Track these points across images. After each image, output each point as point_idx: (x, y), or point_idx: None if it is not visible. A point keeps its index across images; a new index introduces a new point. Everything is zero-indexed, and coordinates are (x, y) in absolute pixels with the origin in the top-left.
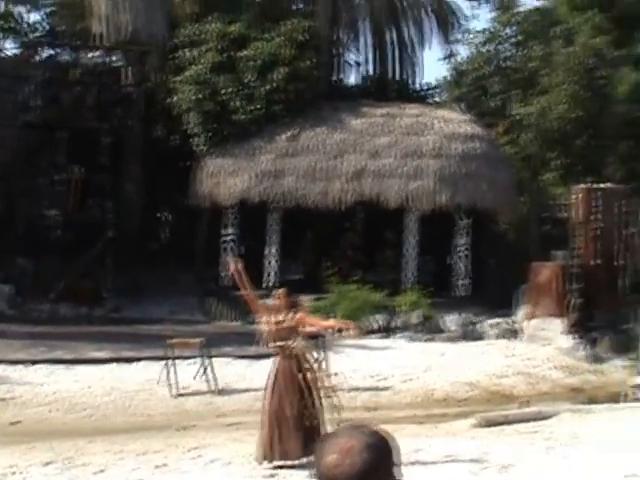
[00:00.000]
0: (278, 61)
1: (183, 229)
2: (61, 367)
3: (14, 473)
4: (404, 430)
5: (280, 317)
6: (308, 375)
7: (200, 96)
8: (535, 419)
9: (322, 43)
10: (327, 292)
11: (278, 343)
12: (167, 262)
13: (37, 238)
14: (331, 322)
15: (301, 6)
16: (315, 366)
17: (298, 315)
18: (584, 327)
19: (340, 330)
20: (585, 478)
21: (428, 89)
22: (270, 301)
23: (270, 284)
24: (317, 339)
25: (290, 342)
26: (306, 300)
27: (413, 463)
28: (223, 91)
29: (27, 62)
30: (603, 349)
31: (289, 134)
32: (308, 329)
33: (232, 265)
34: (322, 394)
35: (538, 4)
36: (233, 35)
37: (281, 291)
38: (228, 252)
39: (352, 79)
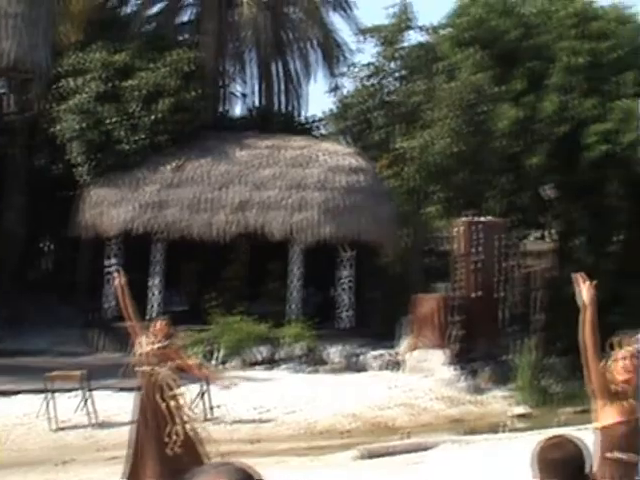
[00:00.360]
0: (163, 91)
1: (65, 259)
2: None
3: None
4: (286, 462)
5: (154, 342)
6: (172, 403)
7: (84, 125)
8: (416, 450)
9: (208, 74)
10: (211, 323)
11: (145, 367)
12: (49, 293)
13: None
14: (203, 371)
15: (187, 36)
16: (181, 398)
17: (172, 347)
18: (465, 358)
19: (207, 380)
20: None
21: (313, 121)
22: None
23: (153, 315)
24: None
25: (157, 368)
26: (186, 335)
27: None
28: (107, 121)
29: None
30: (483, 380)
31: (174, 165)
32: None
33: (116, 279)
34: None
35: (422, 39)
36: (118, 64)
37: (162, 319)
38: (111, 283)
39: (238, 110)
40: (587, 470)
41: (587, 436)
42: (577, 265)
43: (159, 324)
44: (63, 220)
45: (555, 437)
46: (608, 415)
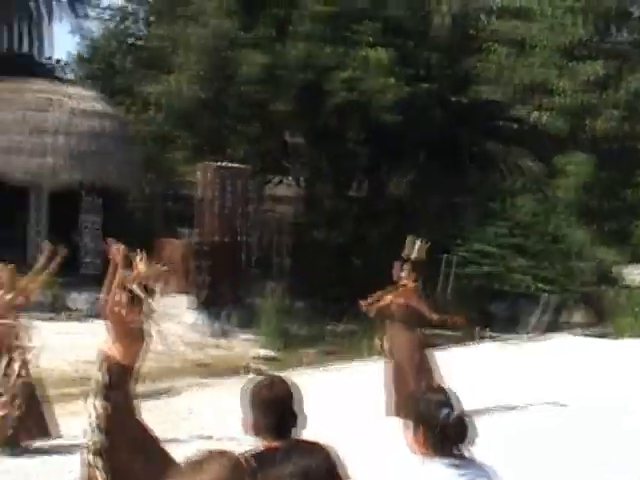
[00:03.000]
0: None
1: None
2: None
3: None
4: None
5: None
6: None
7: None
8: (161, 394)
9: None
10: None
11: None
12: None
13: None
14: None
15: None
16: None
17: None
18: (210, 303)
19: None
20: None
21: (58, 65)
22: None
23: None
24: None
25: None
26: None
27: None
28: None
29: None
30: (228, 323)
31: None
32: None
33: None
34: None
35: None
36: None
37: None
38: None
39: None
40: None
41: (331, 376)
42: (321, 210)
43: None
44: None
45: (267, 378)
46: None
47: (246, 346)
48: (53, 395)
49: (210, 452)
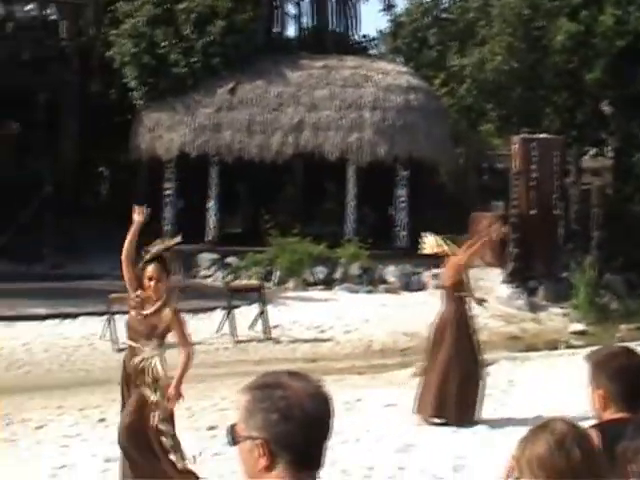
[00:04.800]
0: (216, 13)
1: (122, 184)
2: (0, 324)
3: None
4: (345, 381)
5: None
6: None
7: (138, 49)
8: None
9: None
10: (268, 245)
11: (130, 341)
12: (106, 218)
13: None
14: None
15: None
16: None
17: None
18: (522, 276)
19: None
20: (520, 423)
21: (367, 41)
22: None
23: (210, 238)
24: (257, 292)
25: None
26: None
27: (353, 411)
28: (161, 44)
29: None
30: (541, 298)
31: (227, 87)
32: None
33: (137, 214)
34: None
35: None
36: None
37: (152, 268)
38: (168, 207)
39: (291, 32)
40: None
41: None
42: (635, 181)
43: (153, 275)
44: (119, 145)
45: (617, 347)
46: None
47: (557, 320)
48: (375, 364)
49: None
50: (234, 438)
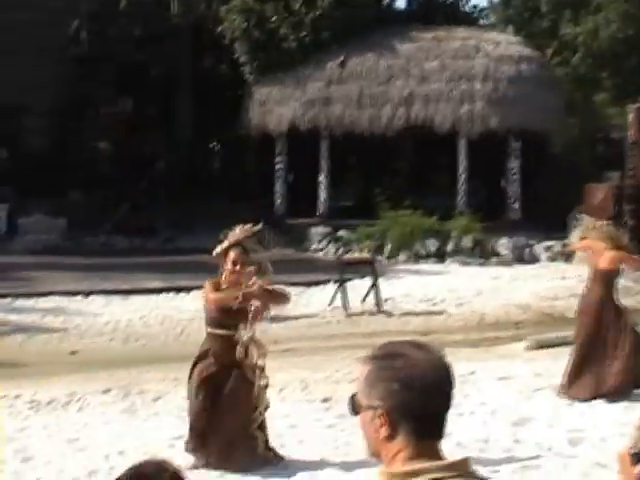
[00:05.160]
0: None
1: (233, 159)
2: (117, 297)
3: (77, 400)
4: (458, 353)
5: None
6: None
7: (248, 24)
8: None
9: None
10: (379, 218)
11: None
12: (218, 192)
13: (88, 171)
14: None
15: None
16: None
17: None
18: (637, 248)
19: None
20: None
21: (477, 11)
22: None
23: (321, 212)
24: (369, 265)
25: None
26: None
27: (467, 385)
28: (270, 19)
29: None
30: None
31: (337, 61)
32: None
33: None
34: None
35: None
36: None
37: (234, 253)
38: (279, 181)
39: (401, 4)
40: None
41: None
42: None
43: (236, 260)
44: (230, 120)
45: None
46: None
47: None
48: (488, 337)
49: None
50: (355, 408)
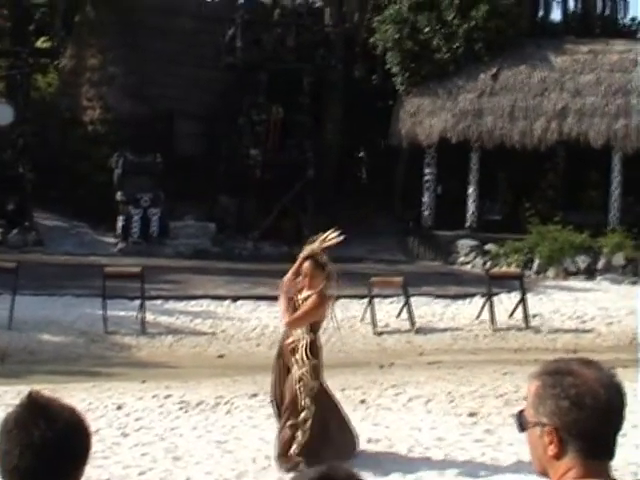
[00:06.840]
0: None
1: (381, 169)
2: (264, 303)
3: (225, 403)
4: None
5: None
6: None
7: (399, 35)
8: None
9: None
10: (527, 232)
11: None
12: (365, 202)
13: (238, 177)
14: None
15: None
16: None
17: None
18: None
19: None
20: None
21: (636, 24)
22: None
23: (470, 224)
24: (517, 280)
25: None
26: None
27: None
28: (423, 30)
29: (229, 4)
30: None
31: (489, 73)
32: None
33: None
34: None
35: None
36: None
37: (306, 266)
38: (427, 192)
39: (556, 16)
40: None
41: None
42: None
43: (307, 272)
44: (379, 130)
45: None
46: None
47: None
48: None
49: None
50: (522, 424)
